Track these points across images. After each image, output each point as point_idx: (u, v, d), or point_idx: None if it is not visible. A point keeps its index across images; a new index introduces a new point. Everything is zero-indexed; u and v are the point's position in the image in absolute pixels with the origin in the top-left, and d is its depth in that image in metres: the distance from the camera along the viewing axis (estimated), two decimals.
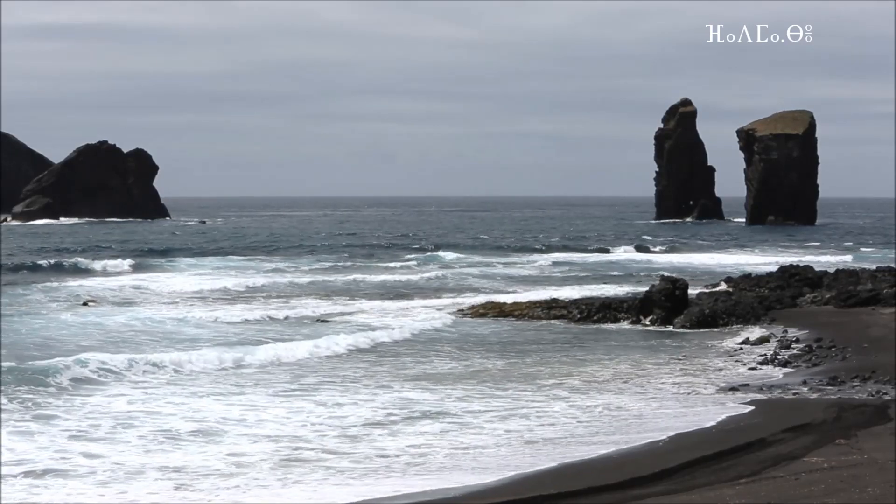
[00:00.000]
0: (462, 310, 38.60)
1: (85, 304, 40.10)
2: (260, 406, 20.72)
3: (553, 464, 16.28)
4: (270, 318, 36.11)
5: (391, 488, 15.00)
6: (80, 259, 64.42)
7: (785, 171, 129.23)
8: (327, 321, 35.40)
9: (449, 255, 70.94)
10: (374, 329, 32.72)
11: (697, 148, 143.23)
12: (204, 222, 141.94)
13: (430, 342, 30.66)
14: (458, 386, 23.40)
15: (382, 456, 16.98)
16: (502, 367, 26.27)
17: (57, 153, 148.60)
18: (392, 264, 63.83)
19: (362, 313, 37.82)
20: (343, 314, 37.59)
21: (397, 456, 17.00)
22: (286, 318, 36.27)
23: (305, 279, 52.14)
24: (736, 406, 20.74)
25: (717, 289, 43.44)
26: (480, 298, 42.42)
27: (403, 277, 53.84)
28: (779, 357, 27.63)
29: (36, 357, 25.58)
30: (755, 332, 32.45)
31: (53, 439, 17.53)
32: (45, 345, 28.62)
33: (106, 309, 38.34)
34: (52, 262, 61.30)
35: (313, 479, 15.59)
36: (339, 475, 15.83)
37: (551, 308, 37.43)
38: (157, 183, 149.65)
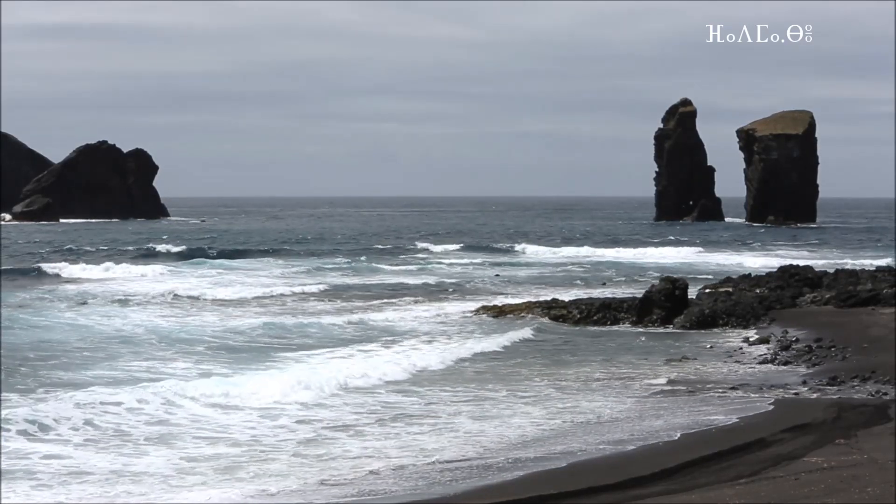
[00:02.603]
0: (464, 313, 38.61)
1: (84, 303, 40.13)
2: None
3: (553, 464, 16.27)
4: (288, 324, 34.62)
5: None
6: (81, 259, 64.46)
7: (785, 171, 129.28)
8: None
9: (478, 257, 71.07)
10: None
11: (697, 148, 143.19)
12: (203, 221, 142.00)
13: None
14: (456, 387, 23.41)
15: None
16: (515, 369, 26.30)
17: (57, 153, 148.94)
18: (396, 267, 63.77)
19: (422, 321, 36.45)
20: (399, 319, 36.54)
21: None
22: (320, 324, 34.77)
23: (318, 280, 51.74)
24: (736, 406, 20.72)
25: (757, 289, 42.61)
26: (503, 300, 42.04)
27: (414, 280, 53.71)
28: (779, 357, 27.62)
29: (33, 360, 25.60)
30: (755, 333, 32.44)
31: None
32: (42, 346, 28.49)
33: (108, 309, 38.28)
34: (52, 262, 61.24)
35: None
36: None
37: (551, 308, 37.40)
38: (157, 183, 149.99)
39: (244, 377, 23.64)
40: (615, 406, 21.29)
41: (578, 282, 51.87)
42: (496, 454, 17.15)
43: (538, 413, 20.63)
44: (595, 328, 34.48)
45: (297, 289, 46.60)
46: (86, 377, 23.69)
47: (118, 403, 20.29)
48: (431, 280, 52.73)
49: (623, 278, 53.42)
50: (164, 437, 18.33)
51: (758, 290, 40.96)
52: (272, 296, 44.26)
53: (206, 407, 20.70)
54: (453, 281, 52.07)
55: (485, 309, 38.38)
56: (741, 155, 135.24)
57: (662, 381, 24.42)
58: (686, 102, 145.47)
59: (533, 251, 79.21)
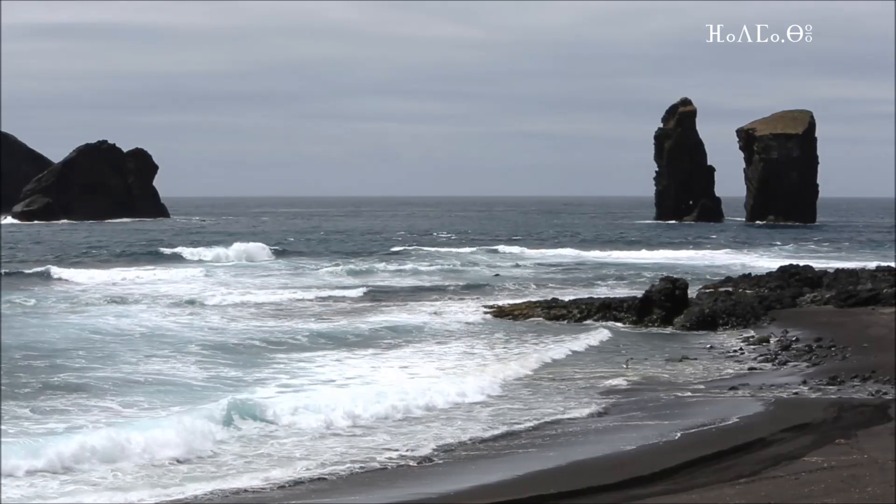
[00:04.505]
0: (465, 313, 38.64)
1: (87, 304, 40.13)
2: None
3: (552, 463, 16.29)
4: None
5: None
6: (82, 260, 64.47)
7: (785, 171, 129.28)
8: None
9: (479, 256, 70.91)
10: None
11: (697, 148, 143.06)
12: (204, 220, 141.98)
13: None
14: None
15: None
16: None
17: (57, 153, 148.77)
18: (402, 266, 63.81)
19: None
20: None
21: None
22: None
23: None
24: (736, 406, 20.73)
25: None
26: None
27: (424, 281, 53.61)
28: (779, 357, 27.64)
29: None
30: (755, 332, 32.45)
31: None
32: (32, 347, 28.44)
33: (108, 310, 38.16)
34: (52, 263, 61.17)
35: None
36: None
37: (551, 308, 37.43)
38: (157, 183, 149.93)
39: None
40: (619, 404, 21.30)
41: (579, 282, 51.85)
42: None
43: (485, 415, 20.75)
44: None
45: (300, 294, 45.28)
46: (91, 380, 23.65)
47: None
48: (432, 281, 52.72)
49: (623, 278, 53.38)
50: None
51: (758, 290, 40.99)
52: (276, 300, 42.93)
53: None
54: (453, 282, 51.93)
55: (494, 308, 38.41)
56: (741, 155, 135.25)
57: (662, 380, 24.46)
58: (686, 102, 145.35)
59: (533, 251, 79.10)
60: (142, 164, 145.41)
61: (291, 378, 24.76)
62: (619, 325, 34.88)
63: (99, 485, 15.59)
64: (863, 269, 46.98)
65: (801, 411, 19.61)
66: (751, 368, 26.28)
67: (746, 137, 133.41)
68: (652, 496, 13.76)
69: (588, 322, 35.38)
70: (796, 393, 22.34)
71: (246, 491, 15.46)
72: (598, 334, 32.11)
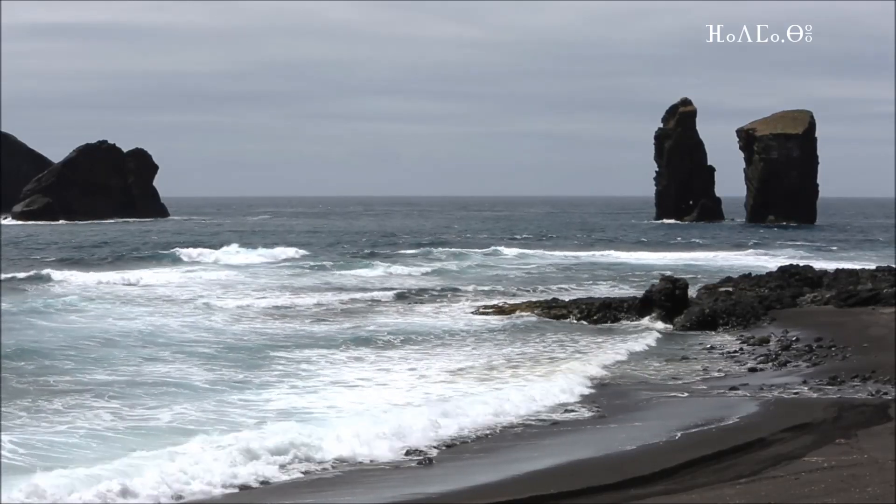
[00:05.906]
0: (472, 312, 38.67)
1: (90, 300, 40.13)
2: None
3: (552, 463, 16.29)
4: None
5: None
6: (83, 261, 64.45)
7: (785, 171, 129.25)
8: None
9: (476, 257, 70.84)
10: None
11: (697, 148, 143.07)
12: (204, 220, 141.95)
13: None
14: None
15: None
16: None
17: (57, 153, 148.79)
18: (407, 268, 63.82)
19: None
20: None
21: None
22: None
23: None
24: (736, 406, 20.74)
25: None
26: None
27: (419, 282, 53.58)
28: (779, 357, 27.64)
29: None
30: (755, 332, 32.45)
31: None
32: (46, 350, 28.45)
33: (109, 310, 38.11)
34: (52, 264, 61.17)
35: None
36: None
37: (551, 308, 37.45)
38: (157, 182, 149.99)
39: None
40: (619, 404, 21.31)
41: (581, 281, 51.82)
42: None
43: (494, 416, 20.64)
44: (595, 327, 34.45)
45: (303, 295, 44.89)
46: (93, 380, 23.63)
47: None
48: (435, 281, 52.72)
49: (623, 278, 53.38)
50: None
51: (758, 290, 40.98)
52: (280, 302, 42.06)
53: None
54: (455, 283, 51.95)
55: (494, 308, 38.44)
56: (741, 155, 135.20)
57: (662, 381, 24.45)
58: (686, 102, 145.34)
59: (533, 251, 79.09)
60: (142, 164, 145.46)
61: (298, 380, 24.57)
62: (659, 324, 34.68)
63: None
64: (863, 269, 46.96)
65: (801, 411, 19.61)
66: (751, 368, 26.27)
67: (746, 137, 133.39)
68: (652, 496, 13.76)
69: (599, 323, 35.33)
70: (796, 393, 22.34)
71: (246, 488, 15.48)
72: (645, 338, 31.75)
